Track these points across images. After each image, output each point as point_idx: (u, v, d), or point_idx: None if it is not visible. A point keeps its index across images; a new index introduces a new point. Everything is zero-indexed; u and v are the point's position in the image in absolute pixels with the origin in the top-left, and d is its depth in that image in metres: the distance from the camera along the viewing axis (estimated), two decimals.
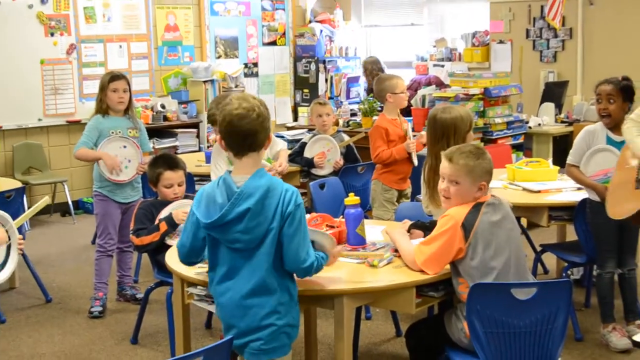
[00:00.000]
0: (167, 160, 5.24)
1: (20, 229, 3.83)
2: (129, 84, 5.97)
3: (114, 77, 5.90)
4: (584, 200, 5.15)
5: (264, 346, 3.21)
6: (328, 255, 3.44)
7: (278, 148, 5.98)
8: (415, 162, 6.18)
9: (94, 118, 5.92)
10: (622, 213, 4.01)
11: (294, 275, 3.35)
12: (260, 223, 3.14)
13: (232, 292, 3.23)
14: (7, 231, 3.73)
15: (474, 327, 3.51)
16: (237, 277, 3.23)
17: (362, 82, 11.68)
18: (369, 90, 9.80)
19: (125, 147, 5.88)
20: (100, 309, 5.93)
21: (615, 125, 5.02)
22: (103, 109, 5.89)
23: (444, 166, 3.77)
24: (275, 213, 3.15)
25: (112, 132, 5.85)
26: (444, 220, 3.68)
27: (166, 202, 5.00)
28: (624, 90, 4.99)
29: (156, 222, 4.84)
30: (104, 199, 5.94)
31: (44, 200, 4.03)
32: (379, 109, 8.62)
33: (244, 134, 3.17)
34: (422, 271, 3.67)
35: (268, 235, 3.16)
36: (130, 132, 5.95)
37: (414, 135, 6.42)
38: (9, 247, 3.74)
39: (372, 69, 9.98)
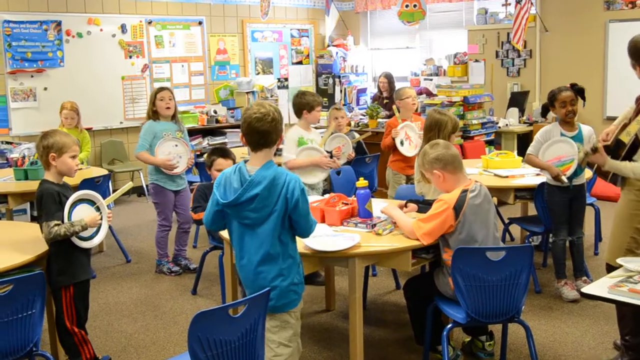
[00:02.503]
0: (220, 150, 5.22)
1: (108, 206, 3.93)
2: (172, 94, 5.88)
3: (160, 89, 5.84)
4: (542, 184, 5.14)
5: (276, 304, 3.17)
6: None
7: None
8: (402, 150, 6.14)
9: (147, 123, 5.82)
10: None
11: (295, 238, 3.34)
12: (266, 205, 3.12)
13: (247, 260, 3.21)
14: (98, 207, 3.79)
15: (457, 281, 3.51)
16: (247, 247, 3.21)
17: (370, 92, 11.68)
18: (380, 97, 9.71)
19: (176, 145, 5.81)
20: (178, 267, 5.97)
21: (567, 122, 5.00)
22: (154, 115, 5.81)
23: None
24: (279, 198, 3.12)
25: (164, 134, 5.77)
26: (439, 204, 3.68)
27: None
28: (579, 92, 4.98)
29: None
30: (160, 189, 5.87)
31: (128, 185, 4.09)
32: (384, 113, 8.61)
33: (259, 133, 3.15)
34: (418, 240, 3.66)
35: (272, 214, 3.13)
36: (177, 134, 5.86)
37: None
38: (101, 219, 3.84)
39: (386, 80, 9.85)
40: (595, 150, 3.77)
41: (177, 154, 5.81)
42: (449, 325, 3.69)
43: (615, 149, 3.78)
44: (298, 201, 3.13)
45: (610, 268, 3.71)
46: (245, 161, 3.24)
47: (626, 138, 3.76)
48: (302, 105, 5.41)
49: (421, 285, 4.04)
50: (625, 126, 3.79)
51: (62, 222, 3.62)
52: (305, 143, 5.37)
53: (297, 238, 3.34)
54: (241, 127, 3.25)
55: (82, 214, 3.71)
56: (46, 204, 3.65)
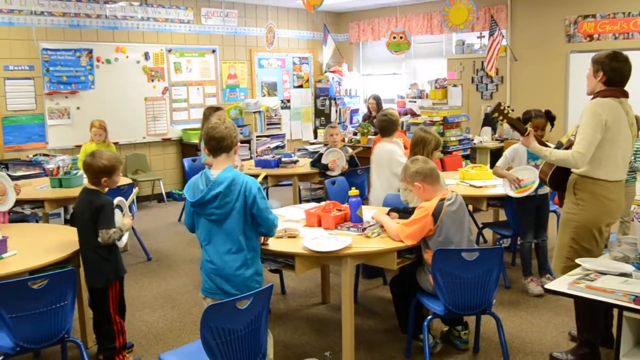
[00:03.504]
0: None
1: (131, 210, 4.04)
2: None
3: (217, 108, 6.01)
4: None
5: (242, 292, 3.11)
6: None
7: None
8: None
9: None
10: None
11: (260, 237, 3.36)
12: (228, 202, 3.16)
13: (213, 251, 3.23)
14: (123, 212, 3.85)
15: (436, 278, 3.52)
16: (215, 240, 3.22)
17: (362, 112, 11.67)
18: (369, 117, 9.67)
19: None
20: None
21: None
22: None
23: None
24: (239, 196, 3.17)
25: None
26: (420, 211, 3.69)
27: None
28: (551, 119, 5.01)
29: None
30: None
31: (135, 191, 4.24)
32: (373, 130, 8.60)
33: (216, 139, 3.24)
34: (402, 242, 3.67)
35: (234, 210, 3.17)
36: None
37: None
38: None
39: (375, 102, 9.84)
40: (526, 134, 3.89)
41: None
42: (429, 317, 3.68)
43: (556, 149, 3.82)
44: (255, 197, 3.18)
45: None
46: (209, 168, 3.29)
47: (564, 140, 3.84)
48: (398, 124, 5.58)
49: (405, 281, 4.04)
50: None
51: (116, 228, 3.71)
52: None
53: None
54: (204, 139, 3.32)
55: (116, 218, 3.79)
56: (106, 213, 3.68)
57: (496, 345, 4.08)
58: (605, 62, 3.66)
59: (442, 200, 3.66)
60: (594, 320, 3.69)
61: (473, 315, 3.81)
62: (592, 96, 3.74)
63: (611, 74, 3.64)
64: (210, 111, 6.02)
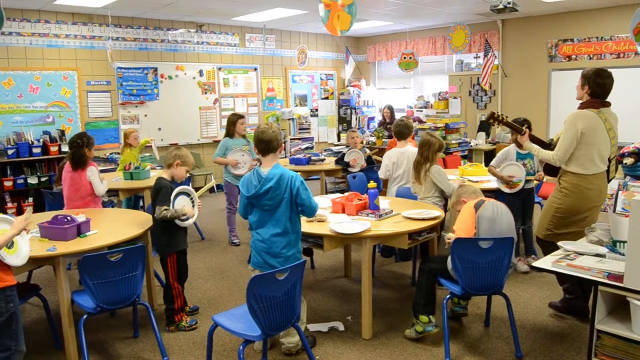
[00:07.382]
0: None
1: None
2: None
3: (241, 115, 5.98)
4: None
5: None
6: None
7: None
8: None
9: (224, 139, 5.96)
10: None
11: (301, 217, 3.32)
12: (277, 195, 3.15)
13: (265, 233, 3.21)
14: (192, 199, 3.86)
15: (455, 263, 3.36)
16: (266, 225, 3.21)
17: (377, 119, 11.60)
18: (384, 123, 9.59)
19: (243, 155, 5.91)
20: (238, 240, 6.05)
21: (520, 145, 4.96)
22: (230, 134, 5.93)
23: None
24: (286, 189, 3.15)
25: (234, 147, 5.88)
26: (463, 207, 3.53)
27: None
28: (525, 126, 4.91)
29: None
30: (229, 184, 5.99)
31: (211, 183, 4.19)
32: (387, 134, 8.55)
33: (264, 142, 3.22)
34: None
35: (283, 201, 3.16)
36: (244, 147, 5.94)
37: None
38: (192, 205, 3.93)
39: (389, 111, 9.76)
40: (522, 133, 3.99)
41: (243, 161, 5.93)
42: (448, 296, 3.51)
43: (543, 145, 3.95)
44: (299, 189, 3.16)
45: (538, 239, 3.91)
46: (260, 165, 3.28)
47: (555, 138, 3.91)
48: (412, 129, 5.31)
49: (435, 265, 3.70)
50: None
51: (169, 208, 3.71)
52: None
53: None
54: (254, 140, 3.30)
55: (181, 202, 3.81)
56: (162, 194, 3.73)
57: (502, 322, 4.02)
58: (591, 78, 3.72)
59: (481, 202, 3.48)
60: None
61: (486, 295, 3.52)
62: (579, 103, 3.81)
63: (595, 88, 3.70)
64: (235, 117, 5.99)
